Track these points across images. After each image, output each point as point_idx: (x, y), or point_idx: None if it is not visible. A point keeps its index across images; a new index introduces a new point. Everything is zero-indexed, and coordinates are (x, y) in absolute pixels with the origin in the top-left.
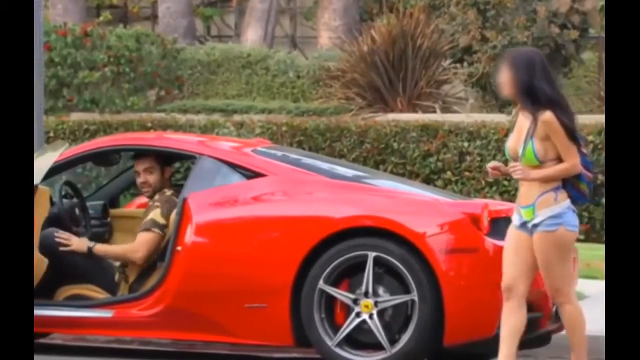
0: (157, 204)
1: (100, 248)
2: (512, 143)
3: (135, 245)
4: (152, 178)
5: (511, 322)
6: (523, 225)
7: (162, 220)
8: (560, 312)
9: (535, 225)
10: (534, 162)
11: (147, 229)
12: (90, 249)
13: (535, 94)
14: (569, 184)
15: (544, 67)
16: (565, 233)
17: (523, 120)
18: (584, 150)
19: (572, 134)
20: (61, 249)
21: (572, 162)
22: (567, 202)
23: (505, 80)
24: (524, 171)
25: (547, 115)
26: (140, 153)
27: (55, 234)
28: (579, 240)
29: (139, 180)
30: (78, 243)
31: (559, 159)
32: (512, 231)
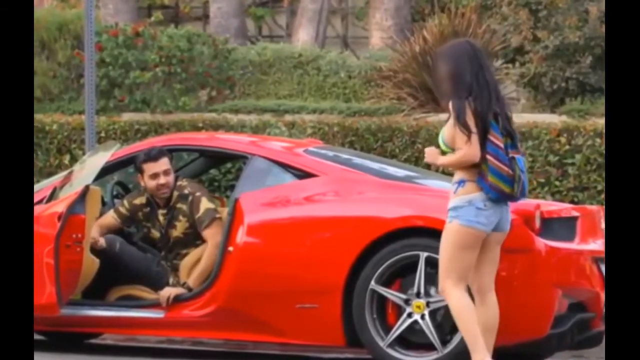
0: (197, 194)
1: (194, 281)
2: None
3: (212, 250)
4: (171, 178)
5: (479, 319)
6: None
7: (214, 204)
8: None
9: None
10: (443, 148)
11: (210, 222)
12: (187, 287)
13: (457, 81)
14: (480, 176)
15: (472, 56)
16: (458, 228)
17: None
18: (499, 143)
19: (462, 122)
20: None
21: (464, 151)
22: (471, 196)
23: (439, 75)
24: (430, 155)
25: (450, 103)
26: (157, 154)
27: (161, 293)
28: None
29: (159, 182)
30: (173, 289)
31: None
32: None
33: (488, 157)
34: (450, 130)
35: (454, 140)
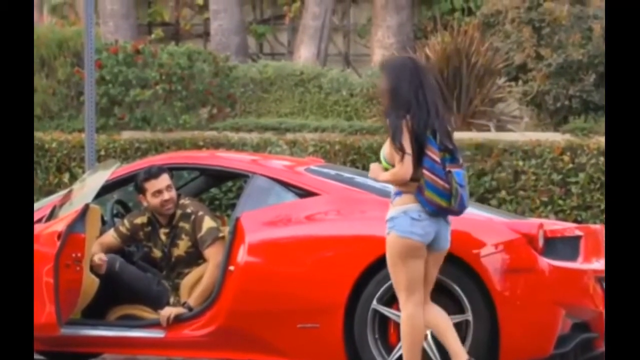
0: (200, 212)
1: (194, 300)
2: None
3: (214, 270)
4: (174, 194)
5: (431, 326)
6: None
7: (216, 223)
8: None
9: None
10: (384, 164)
11: (212, 241)
12: (187, 307)
13: (395, 98)
14: (417, 190)
15: (413, 72)
16: (396, 238)
17: None
18: (436, 158)
19: (397, 142)
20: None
21: (396, 170)
22: (406, 207)
23: (381, 88)
24: (373, 171)
25: (387, 121)
26: (157, 171)
27: (161, 312)
28: None
29: (163, 198)
30: (173, 309)
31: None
32: None
33: (424, 171)
34: (389, 147)
35: (392, 156)
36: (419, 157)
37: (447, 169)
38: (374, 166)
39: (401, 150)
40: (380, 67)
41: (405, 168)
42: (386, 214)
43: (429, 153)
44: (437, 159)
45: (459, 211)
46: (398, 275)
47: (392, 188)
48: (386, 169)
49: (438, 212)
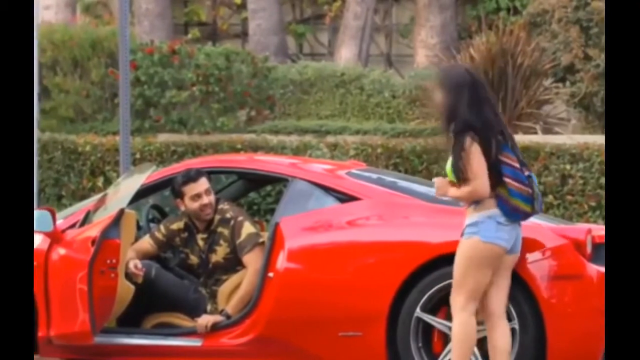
0: (240, 218)
1: (232, 308)
2: None
3: (253, 277)
4: (213, 198)
5: (490, 343)
6: None
7: (256, 229)
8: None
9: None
10: (451, 177)
11: (252, 247)
12: (225, 315)
13: (455, 117)
14: (499, 199)
15: (472, 89)
16: (479, 243)
17: None
18: (515, 164)
19: (466, 155)
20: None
21: (473, 186)
22: (489, 212)
23: (437, 100)
24: (440, 187)
25: (453, 137)
26: (196, 174)
27: (198, 320)
28: None
29: (202, 202)
30: (211, 317)
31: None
32: None
33: (506, 180)
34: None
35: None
36: (495, 166)
37: (526, 173)
38: (440, 182)
39: (471, 165)
40: (437, 79)
41: (483, 183)
42: (431, 219)
43: (506, 159)
44: (516, 164)
45: (537, 214)
46: (466, 280)
47: None
48: (453, 183)
49: (522, 219)
